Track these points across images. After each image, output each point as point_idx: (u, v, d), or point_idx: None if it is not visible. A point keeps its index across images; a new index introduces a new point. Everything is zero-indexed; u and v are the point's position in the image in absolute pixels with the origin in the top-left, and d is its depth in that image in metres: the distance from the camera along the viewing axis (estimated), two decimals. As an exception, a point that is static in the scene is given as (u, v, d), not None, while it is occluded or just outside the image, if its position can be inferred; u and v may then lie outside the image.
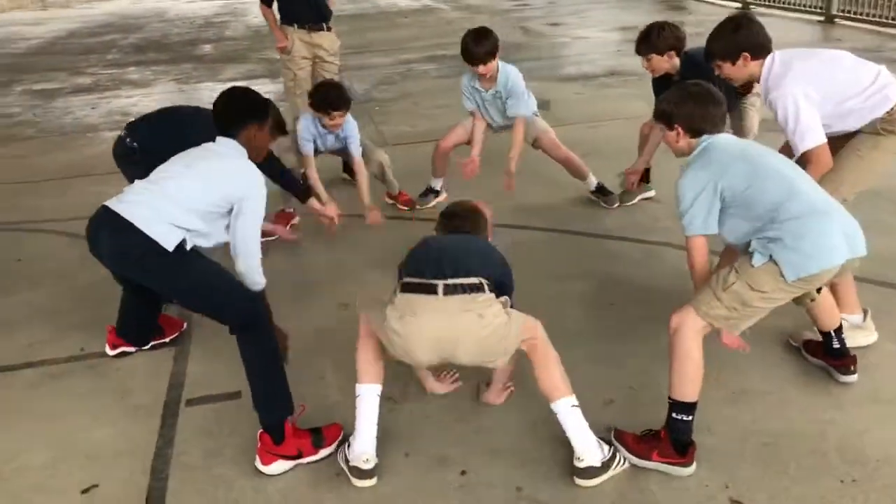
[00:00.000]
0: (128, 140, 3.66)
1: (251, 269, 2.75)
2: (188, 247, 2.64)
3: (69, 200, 5.37)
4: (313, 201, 4.08)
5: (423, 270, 2.49)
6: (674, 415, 2.50)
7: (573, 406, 2.49)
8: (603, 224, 4.52)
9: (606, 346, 3.23)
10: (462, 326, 2.40)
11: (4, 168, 6.45)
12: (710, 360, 2.53)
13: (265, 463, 2.61)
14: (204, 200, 2.67)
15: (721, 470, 2.50)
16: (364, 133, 4.76)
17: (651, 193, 4.79)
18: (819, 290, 2.76)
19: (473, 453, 2.65)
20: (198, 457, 2.73)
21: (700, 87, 2.71)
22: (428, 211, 4.82)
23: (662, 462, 2.50)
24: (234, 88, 2.96)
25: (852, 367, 2.91)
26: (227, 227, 2.75)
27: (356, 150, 4.57)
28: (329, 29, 5.27)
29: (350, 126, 4.53)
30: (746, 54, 3.07)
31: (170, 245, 2.58)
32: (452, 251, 2.58)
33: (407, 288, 2.48)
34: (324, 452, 2.65)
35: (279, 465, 2.62)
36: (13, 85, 9.97)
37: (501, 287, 2.57)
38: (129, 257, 2.62)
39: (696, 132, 2.67)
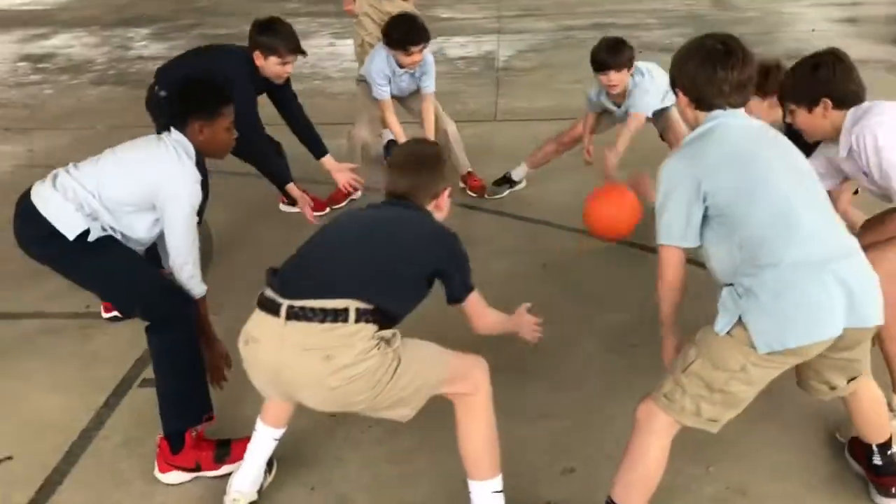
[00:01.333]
0: (157, 88, 3.56)
1: (183, 278, 2.46)
2: (93, 237, 2.42)
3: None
4: (292, 186, 3.74)
5: (286, 278, 2.01)
6: None
7: (494, 492, 2.05)
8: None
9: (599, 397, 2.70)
10: (300, 368, 1.87)
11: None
12: (704, 443, 2.01)
13: (161, 471, 2.43)
14: (114, 194, 2.43)
15: None
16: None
17: None
18: (851, 381, 2.07)
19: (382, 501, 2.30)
20: (117, 443, 2.61)
21: (715, 40, 2.04)
22: (495, 203, 4.38)
23: None
24: (189, 77, 2.69)
25: (894, 490, 2.19)
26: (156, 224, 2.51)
27: (429, 86, 4.22)
28: None
29: (427, 62, 4.18)
30: (827, 101, 2.35)
31: (70, 233, 2.39)
32: (337, 249, 2.05)
33: (259, 301, 1.99)
34: (226, 469, 2.40)
35: (175, 476, 2.42)
36: (193, 29, 10.50)
37: (447, 279, 2.08)
38: (28, 241, 2.47)
39: (702, 103, 2.03)
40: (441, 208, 2.18)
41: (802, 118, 2.40)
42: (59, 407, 2.81)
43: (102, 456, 2.57)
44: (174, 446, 2.40)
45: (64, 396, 2.86)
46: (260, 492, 2.30)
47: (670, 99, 3.85)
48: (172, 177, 2.43)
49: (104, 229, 2.45)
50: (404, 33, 3.99)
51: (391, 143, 4.88)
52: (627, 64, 3.71)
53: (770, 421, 2.48)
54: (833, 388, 2.08)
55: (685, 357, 1.91)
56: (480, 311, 2.16)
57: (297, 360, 1.86)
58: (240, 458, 2.37)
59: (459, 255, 2.10)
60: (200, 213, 3.25)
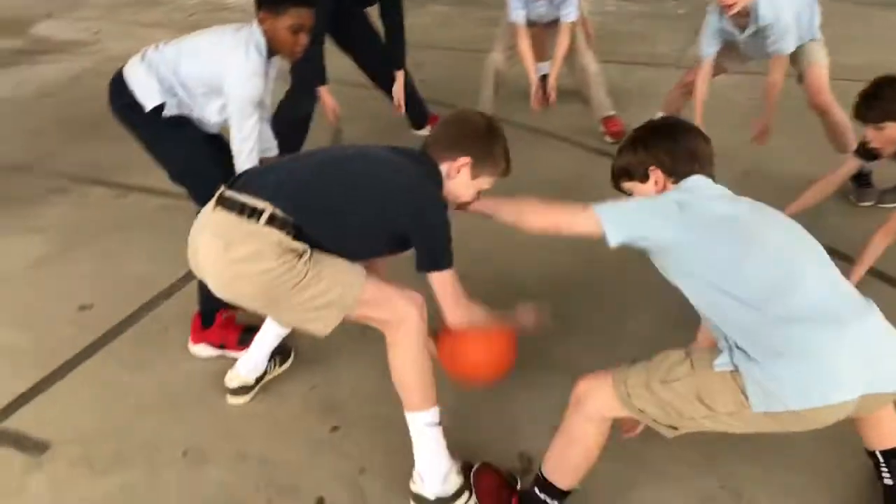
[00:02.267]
0: None
1: (237, 165, 2.53)
2: (168, 113, 2.59)
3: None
4: (323, 89, 3.64)
5: (249, 174, 2.02)
6: (536, 489, 1.89)
7: (427, 424, 1.98)
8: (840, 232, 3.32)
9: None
10: (205, 251, 1.89)
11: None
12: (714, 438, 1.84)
13: (193, 342, 2.64)
14: (188, 73, 2.55)
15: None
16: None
17: None
18: None
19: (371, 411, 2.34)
20: (176, 313, 2.85)
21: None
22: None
23: None
24: None
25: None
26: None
27: (568, 14, 3.96)
28: None
29: None
30: None
31: (148, 104, 2.55)
32: (301, 163, 2.03)
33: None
34: (248, 352, 2.56)
35: (203, 349, 2.62)
36: None
37: (415, 246, 1.96)
38: (116, 109, 2.67)
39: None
40: (452, 177, 2.03)
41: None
42: (146, 273, 3.12)
43: (160, 321, 2.84)
44: (205, 322, 2.60)
45: (154, 265, 3.17)
46: (259, 380, 2.43)
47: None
48: (232, 66, 2.49)
49: (179, 107, 2.63)
50: None
51: (545, 78, 4.73)
52: None
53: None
54: None
55: (672, 368, 1.70)
56: (449, 299, 1.95)
57: (206, 244, 1.89)
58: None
59: (428, 225, 1.93)
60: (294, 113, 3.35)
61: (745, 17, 3.38)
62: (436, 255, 1.93)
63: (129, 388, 2.52)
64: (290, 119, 3.66)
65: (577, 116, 4.42)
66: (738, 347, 1.62)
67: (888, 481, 1.88)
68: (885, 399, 1.66)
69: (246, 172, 2.08)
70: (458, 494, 1.99)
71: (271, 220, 1.82)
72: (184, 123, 2.64)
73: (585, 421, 1.78)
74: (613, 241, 1.75)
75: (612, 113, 4.25)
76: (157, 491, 2.12)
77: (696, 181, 1.85)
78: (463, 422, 2.25)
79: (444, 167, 2.03)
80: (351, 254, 1.95)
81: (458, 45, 6.15)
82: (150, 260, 3.21)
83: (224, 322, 2.60)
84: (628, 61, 5.47)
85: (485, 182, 2.06)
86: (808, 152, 3.88)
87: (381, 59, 4.04)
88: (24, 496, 2.12)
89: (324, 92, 3.64)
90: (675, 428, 1.73)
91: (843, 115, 3.42)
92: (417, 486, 2.00)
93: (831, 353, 1.56)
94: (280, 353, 2.53)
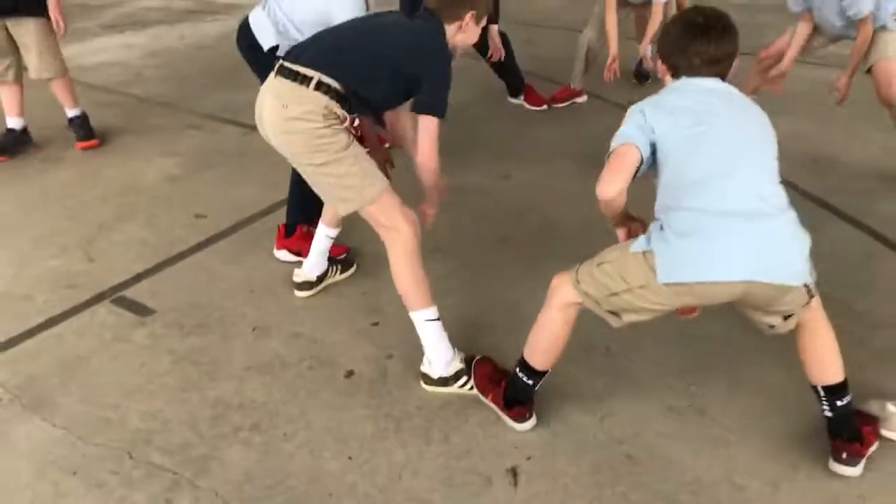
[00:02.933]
0: None
1: None
2: (282, 51, 2.86)
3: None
4: None
5: (301, 47, 2.39)
6: (517, 370, 2.26)
7: (427, 320, 2.39)
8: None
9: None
10: (268, 111, 2.30)
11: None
12: (698, 364, 2.25)
13: (277, 248, 3.17)
14: (301, 15, 2.91)
15: None
16: None
17: None
18: (788, 317, 2.02)
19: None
20: (269, 227, 3.37)
21: (698, 13, 2.11)
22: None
23: (493, 405, 2.31)
24: None
25: (845, 455, 2.08)
26: None
27: None
28: None
29: None
30: None
31: (265, 44, 2.99)
32: (339, 35, 2.39)
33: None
34: (319, 260, 3.05)
35: (284, 254, 3.15)
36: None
37: (420, 89, 2.30)
38: (242, 49, 3.18)
39: (675, 73, 2.12)
40: (465, 30, 2.38)
41: None
42: (252, 195, 3.71)
43: (256, 232, 3.41)
44: (288, 232, 3.12)
45: (260, 190, 3.74)
46: (321, 279, 2.93)
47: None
48: (336, 7, 2.81)
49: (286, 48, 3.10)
50: None
51: (641, 61, 4.97)
52: None
53: (768, 364, 2.44)
54: (772, 326, 2.05)
55: (607, 254, 2.04)
56: (427, 139, 2.31)
57: (268, 104, 2.30)
58: (334, 255, 3.01)
59: (437, 73, 2.29)
60: None
61: None
62: (435, 101, 2.29)
63: (222, 277, 3.09)
64: None
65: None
66: (661, 229, 1.92)
67: (828, 414, 2.11)
68: (772, 291, 1.88)
69: (296, 46, 2.46)
70: (457, 376, 2.40)
71: (318, 86, 2.23)
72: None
73: (552, 309, 2.13)
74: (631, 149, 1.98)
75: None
76: (227, 352, 2.65)
77: (685, 81, 2.07)
78: (477, 329, 2.66)
79: (454, 26, 2.37)
80: (381, 104, 2.40)
81: (575, 26, 6.43)
82: (258, 185, 3.79)
83: (303, 234, 3.11)
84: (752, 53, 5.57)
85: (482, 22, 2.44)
86: (877, 143, 3.96)
87: None
88: (130, 343, 2.71)
89: None
90: (616, 315, 2.05)
91: None
92: (426, 367, 2.42)
93: (726, 241, 1.83)
94: (344, 263, 3.01)
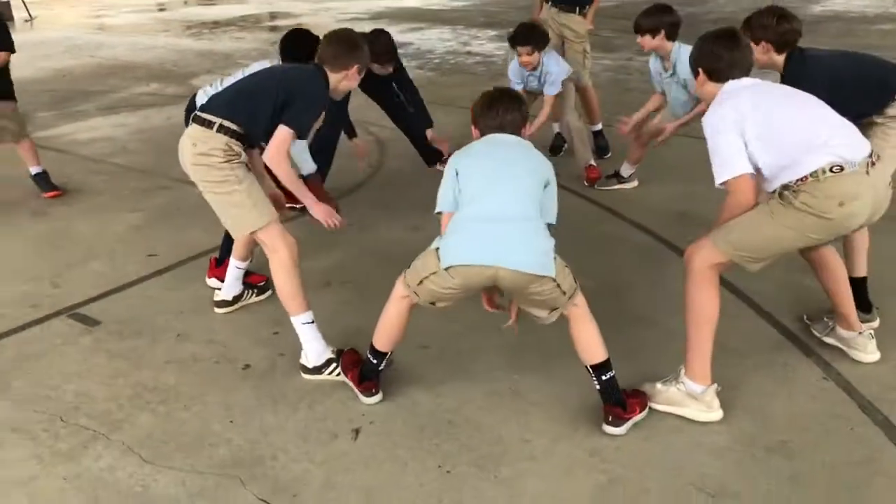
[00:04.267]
0: None
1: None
2: None
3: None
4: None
5: (208, 101, 3.12)
6: (368, 353, 2.88)
7: (302, 323, 3.02)
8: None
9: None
10: (184, 147, 2.99)
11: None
12: (548, 354, 2.82)
13: (208, 277, 3.85)
14: None
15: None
16: None
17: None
18: (553, 310, 2.67)
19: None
20: (183, 273, 4.07)
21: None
22: (598, 194, 5.02)
23: (350, 382, 2.92)
24: None
25: (610, 418, 2.69)
26: None
27: (549, 89, 4.98)
28: (582, 14, 5.59)
29: (554, 67, 4.96)
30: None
31: None
32: (235, 87, 3.09)
33: None
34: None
35: (213, 282, 3.82)
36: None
37: (285, 112, 2.89)
38: (187, 122, 3.97)
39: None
40: (349, 78, 3.06)
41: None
42: (199, 238, 4.38)
43: (198, 267, 4.08)
44: (218, 263, 3.80)
45: (207, 234, 4.41)
46: (237, 299, 3.59)
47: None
48: None
49: None
50: (516, 33, 4.87)
51: (558, 136, 5.76)
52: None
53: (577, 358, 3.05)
54: (538, 317, 2.70)
55: (421, 253, 2.71)
56: (275, 144, 2.89)
57: (185, 144, 3.00)
58: (257, 280, 3.70)
59: (301, 97, 2.89)
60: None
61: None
62: (294, 117, 2.90)
63: (161, 300, 3.75)
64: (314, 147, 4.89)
65: (572, 167, 5.37)
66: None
67: (597, 386, 2.71)
68: (515, 276, 2.49)
69: (209, 99, 3.16)
70: (328, 364, 3.02)
71: (220, 129, 2.93)
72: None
73: (389, 301, 2.78)
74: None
75: (592, 163, 5.18)
76: (152, 352, 3.29)
77: (488, 136, 2.80)
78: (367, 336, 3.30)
79: (340, 74, 3.05)
80: (265, 133, 2.97)
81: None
82: (205, 230, 4.46)
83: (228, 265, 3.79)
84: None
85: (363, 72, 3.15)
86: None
87: (411, 122, 5.23)
88: (76, 346, 3.36)
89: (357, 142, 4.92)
90: (432, 304, 2.69)
91: None
92: (303, 359, 3.06)
93: (476, 236, 2.52)
94: (260, 289, 3.67)
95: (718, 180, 2.67)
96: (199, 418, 2.84)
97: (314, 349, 3.03)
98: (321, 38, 3.17)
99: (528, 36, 4.84)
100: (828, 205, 2.55)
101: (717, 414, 2.73)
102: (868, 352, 3.06)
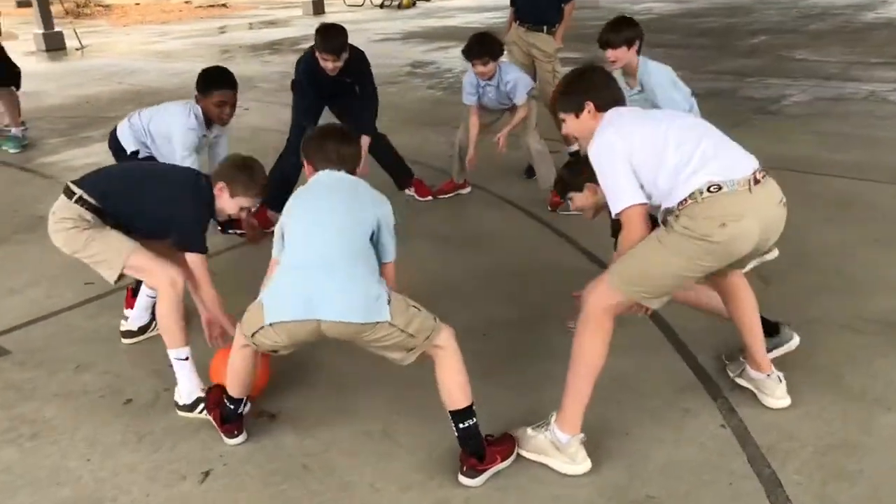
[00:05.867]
0: None
1: None
2: (142, 155, 3.92)
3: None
4: None
5: (88, 175, 3.12)
6: (224, 397, 2.79)
7: (176, 358, 2.95)
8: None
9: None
10: (50, 217, 3.00)
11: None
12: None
13: (125, 308, 3.83)
14: (153, 129, 3.97)
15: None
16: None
17: None
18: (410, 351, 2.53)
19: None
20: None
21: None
22: (558, 218, 4.83)
23: (214, 422, 2.83)
24: None
25: (465, 468, 2.53)
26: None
27: (518, 96, 4.83)
28: (550, 32, 5.40)
29: (513, 73, 4.83)
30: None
31: (128, 148, 3.92)
32: (108, 173, 3.18)
33: None
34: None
35: (130, 312, 3.80)
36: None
37: (175, 230, 2.96)
38: (111, 150, 4.02)
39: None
40: (219, 197, 3.00)
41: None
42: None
43: (122, 297, 4.07)
44: (135, 295, 3.77)
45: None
46: (143, 330, 3.56)
47: None
48: (176, 124, 3.83)
49: (150, 150, 3.95)
50: (468, 46, 4.76)
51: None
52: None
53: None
54: (395, 359, 2.56)
55: (253, 303, 2.59)
56: (199, 274, 2.95)
57: (51, 213, 3.00)
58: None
59: (181, 218, 2.93)
60: None
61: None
62: (187, 241, 2.94)
63: (77, 329, 3.75)
64: (279, 172, 4.84)
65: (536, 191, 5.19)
66: None
67: (456, 433, 2.55)
68: (343, 327, 2.38)
69: (90, 173, 3.16)
70: (197, 403, 2.94)
71: (78, 200, 2.93)
72: (152, 160, 3.94)
73: (233, 350, 2.69)
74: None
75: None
76: (46, 383, 3.27)
77: (321, 173, 2.71)
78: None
79: (216, 191, 3.03)
80: (138, 230, 3.00)
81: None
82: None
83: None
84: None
85: (244, 201, 3.04)
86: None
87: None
88: (-19, 376, 3.38)
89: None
90: (275, 351, 2.59)
91: None
92: (176, 396, 2.99)
93: (292, 287, 2.42)
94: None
95: (614, 211, 2.52)
96: (60, 454, 2.79)
97: (185, 387, 2.96)
98: None
99: (482, 47, 4.73)
100: (708, 226, 2.37)
101: (580, 467, 2.54)
102: (776, 396, 2.81)
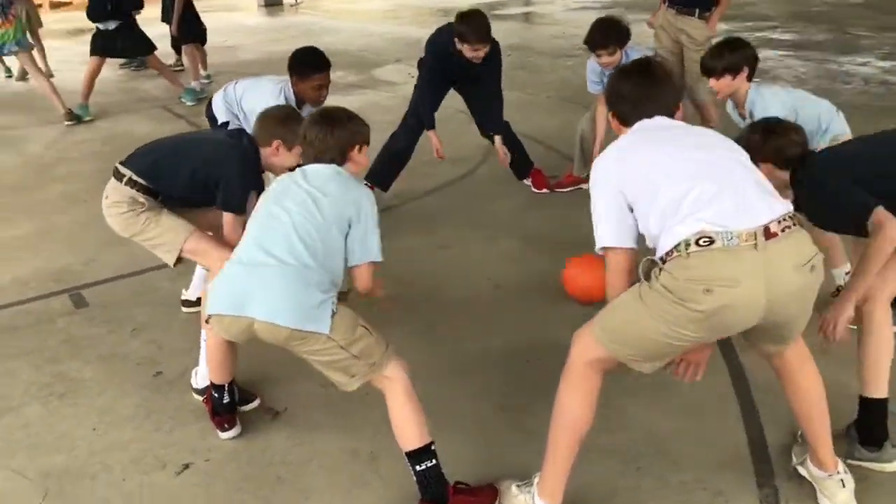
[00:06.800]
0: None
1: None
2: (232, 126, 3.80)
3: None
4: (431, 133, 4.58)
5: (131, 153, 3.07)
6: (212, 388, 2.73)
7: (204, 339, 2.85)
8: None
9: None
10: (103, 200, 2.96)
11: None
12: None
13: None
14: (245, 105, 3.88)
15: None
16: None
17: None
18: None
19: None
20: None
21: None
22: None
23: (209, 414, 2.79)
24: None
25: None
26: None
27: None
28: (702, 17, 4.71)
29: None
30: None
31: (219, 119, 3.93)
32: (156, 146, 3.06)
33: None
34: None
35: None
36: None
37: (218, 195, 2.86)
38: (208, 118, 4.06)
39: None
40: (277, 155, 2.88)
41: None
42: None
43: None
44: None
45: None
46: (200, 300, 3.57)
47: None
48: (265, 103, 3.58)
49: (238, 123, 3.93)
50: (590, 34, 4.30)
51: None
52: None
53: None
54: (336, 382, 2.34)
55: None
56: (228, 228, 2.85)
57: (104, 196, 2.97)
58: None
59: (229, 179, 2.82)
60: None
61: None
62: (228, 199, 2.85)
63: (158, 292, 3.87)
64: (388, 151, 4.71)
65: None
66: None
67: (413, 477, 2.29)
68: (273, 331, 2.21)
69: (136, 151, 3.11)
70: (205, 390, 2.87)
71: (129, 182, 2.92)
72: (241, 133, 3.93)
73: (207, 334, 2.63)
74: None
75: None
76: (99, 342, 3.40)
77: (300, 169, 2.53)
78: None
79: (266, 151, 2.91)
80: (188, 200, 2.94)
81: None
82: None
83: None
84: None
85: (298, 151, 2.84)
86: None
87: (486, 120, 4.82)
88: (46, 326, 3.58)
89: (431, 135, 4.62)
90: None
91: None
92: (192, 379, 2.98)
93: (232, 281, 2.29)
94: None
95: (595, 247, 2.12)
96: (75, 419, 2.88)
97: (203, 370, 2.92)
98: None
99: (605, 36, 4.26)
100: (691, 291, 1.90)
101: (558, 546, 2.18)
102: (836, 501, 2.25)
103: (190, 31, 8.22)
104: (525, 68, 8.81)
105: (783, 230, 1.92)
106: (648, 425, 2.68)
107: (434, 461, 2.28)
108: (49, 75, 8.22)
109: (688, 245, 1.90)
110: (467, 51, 4.26)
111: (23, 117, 7.49)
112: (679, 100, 2.33)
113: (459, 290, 3.74)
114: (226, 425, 2.72)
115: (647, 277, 2.00)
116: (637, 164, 2.07)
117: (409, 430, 2.27)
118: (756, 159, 2.30)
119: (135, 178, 2.93)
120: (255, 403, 2.89)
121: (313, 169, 2.46)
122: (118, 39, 7.27)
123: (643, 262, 2.03)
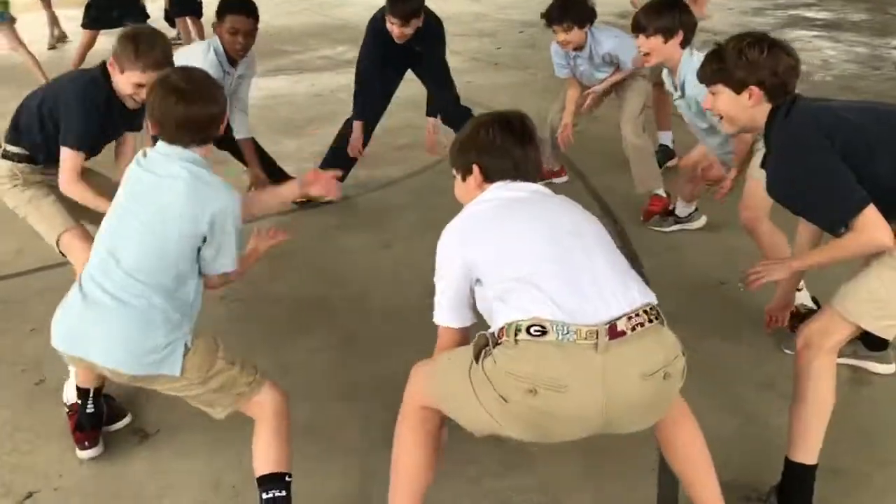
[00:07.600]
0: None
1: None
2: None
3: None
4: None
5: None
6: (80, 399, 2.49)
7: None
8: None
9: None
10: None
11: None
12: None
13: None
14: None
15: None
16: None
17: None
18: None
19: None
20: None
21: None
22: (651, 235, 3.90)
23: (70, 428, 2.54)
24: None
25: None
26: None
27: (625, 66, 3.97)
28: None
29: (609, 41, 3.94)
30: None
31: None
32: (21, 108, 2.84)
33: None
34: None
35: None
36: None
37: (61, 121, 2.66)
38: None
39: None
40: (114, 77, 2.64)
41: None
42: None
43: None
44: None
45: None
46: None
47: None
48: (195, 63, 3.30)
49: None
50: (548, 9, 3.91)
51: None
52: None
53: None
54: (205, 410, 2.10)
55: None
56: (65, 170, 2.63)
57: None
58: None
59: (66, 110, 2.62)
60: None
61: None
62: (64, 132, 2.64)
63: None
64: (342, 138, 4.38)
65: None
66: None
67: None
68: (116, 374, 1.98)
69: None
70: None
71: (4, 155, 2.76)
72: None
73: None
74: None
75: (658, 192, 4.01)
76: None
77: None
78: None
79: (110, 70, 2.65)
80: (48, 146, 2.72)
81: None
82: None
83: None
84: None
85: (134, 75, 2.58)
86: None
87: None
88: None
89: (356, 126, 4.28)
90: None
91: None
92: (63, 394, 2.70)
93: (70, 310, 2.01)
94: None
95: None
96: None
97: (71, 385, 2.66)
98: None
99: (562, 11, 3.85)
100: (510, 386, 1.61)
101: None
102: None
103: (183, 4, 7.97)
104: (534, 46, 8.36)
105: (634, 328, 1.58)
106: (553, 466, 2.35)
107: (284, 493, 2.02)
108: (62, 37, 8.87)
109: (518, 331, 1.60)
110: (391, 28, 3.92)
111: (7, 91, 7.32)
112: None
113: (390, 298, 3.42)
114: (86, 443, 2.47)
115: (476, 357, 1.69)
116: (488, 236, 1.79)
117: (266, 454, 2.05)
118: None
119: (8, 147, 2.78)
120: (125, 422, 2.63)
121: (156, 156, 2.08)
122: (114, 8, 7.04)
123: (477, 336, 1.74)
